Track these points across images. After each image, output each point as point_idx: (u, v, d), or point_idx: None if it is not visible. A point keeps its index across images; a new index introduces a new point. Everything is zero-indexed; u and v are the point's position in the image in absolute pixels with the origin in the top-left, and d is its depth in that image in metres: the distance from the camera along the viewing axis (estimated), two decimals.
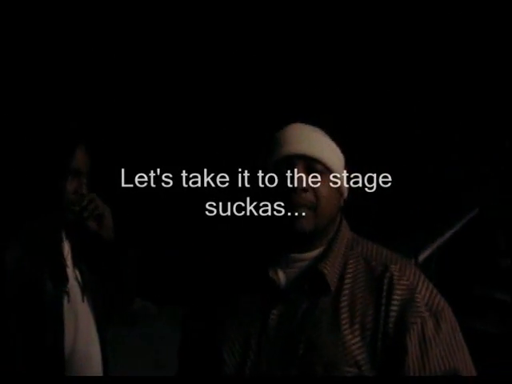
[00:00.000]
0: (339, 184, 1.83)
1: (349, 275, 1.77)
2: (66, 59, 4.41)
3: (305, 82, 4.62)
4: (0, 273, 2.21)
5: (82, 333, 2.40)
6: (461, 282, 3.75)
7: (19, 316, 2.23)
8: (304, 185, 1.75)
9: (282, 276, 1.80)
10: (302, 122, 1.92)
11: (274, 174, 1.80)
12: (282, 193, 1.76)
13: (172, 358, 1.99)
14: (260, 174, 1.85)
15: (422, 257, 3.88)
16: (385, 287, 1.71)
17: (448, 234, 4.07)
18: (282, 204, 1.75)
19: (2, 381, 2.18)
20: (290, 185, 1.75)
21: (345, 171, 1.89)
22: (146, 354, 3.68)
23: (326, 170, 1.80)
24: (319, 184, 1.78)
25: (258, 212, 1.86)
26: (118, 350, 2.70)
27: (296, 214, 1.73)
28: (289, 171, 1.77)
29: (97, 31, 4.52)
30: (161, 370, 3.49)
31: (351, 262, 1.80)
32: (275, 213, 1.76)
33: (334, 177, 1.82)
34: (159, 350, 3.61)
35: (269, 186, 1.80)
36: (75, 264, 2.47)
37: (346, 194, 1.89)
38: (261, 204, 1.83)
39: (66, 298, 2.36)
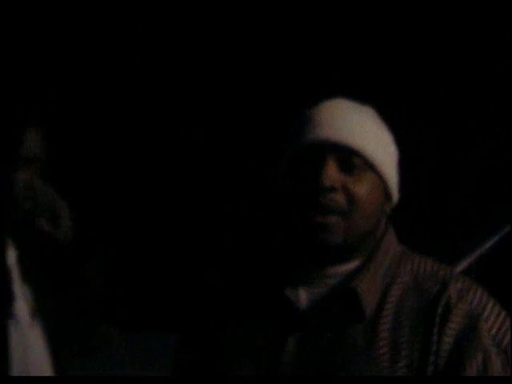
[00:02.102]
0: (385, 185, 1.60)
1: (393, 298, 1.55)
2: (25, 41, 4.18)
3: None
4: None
5: (33, 364, 2.22)
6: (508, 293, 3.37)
7: None
8: (334, 183, 1.53)
9: (303, 295, 1.59)
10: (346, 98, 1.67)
11: (296, 168, 1.58)
12: (304, 193, 1.55)
13: None
14: (279, 167, 1.65)
15: (458, 269, 3.45)
16: (439, 312, 1.49)
17: (489, 243, 3.72)
18: (305, 207, 1.54)
19: None
20: (315, 183, 1.53)
21: (395, 168, 1.64)
22: None
23: (366, 166, 1.57)
24: (355, 183, 1.55)
25: (273, 217, 1.70)
26: None
27: (321, 221, 1.53)
28: (315, 164, 1.55)
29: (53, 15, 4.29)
30: None
31: (397, 281, 1.58)
32: (295, 217, 1.56)
33: (379, 175, 1.58)
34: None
35: (289, 183, 1.59)
36: (24, 277, 2.24)
37: (395, 199, 1.65)
38: (278, 206, 1.64)
39: (11, 322, 2.16)
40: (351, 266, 1.58)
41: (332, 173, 1.52)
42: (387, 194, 1.61)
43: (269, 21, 4.75)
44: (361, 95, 1.69)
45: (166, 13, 4.79)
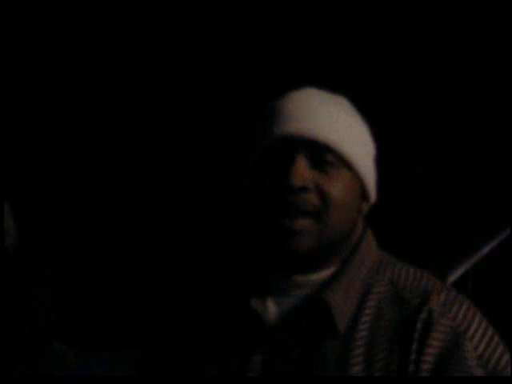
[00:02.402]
0: (361, 183, 1.47)
1: (368, 310, 1.41)
2: None
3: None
4: None
5: None
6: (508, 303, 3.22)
7: None
8: (306, 182, 1.39)
9: (271, 308, 1.46)
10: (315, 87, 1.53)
11: (261, 166, 1.44)
12: (271, 193, 1.41)
13: None
14: (241, 166, 1.51)
15: (452, 277, 3.45)
16: (418, 327, 1.36)
17: (487, 248, 3.58)
18: (272, 210, 1.41)
19: None
20: (283, 182, 1.39)
21: (373, 165, 1.51)
22: None
23: (341, 163, 1.43)
24: (329, 182, 1.41)
25: (237, 220, 1.53)
26: None
27: (291, 225, 1.39)
28: (283, 162, 1.41)
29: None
30: None
31: (374, 291, 1.44)
32: (261, 220, 1.43)
33: (355, 173, 1.45)
34: None
35: (254, 183, 1.45)
36: None
37: (373, 198, 1.51)
38: (243, 208, 1.51)
39: None
40: (324, 274, 1.44)
41: (303, 171, 1.39)
42: (364, 194, 1.48)
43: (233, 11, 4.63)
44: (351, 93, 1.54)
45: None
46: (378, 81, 4.32)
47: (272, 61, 4.21)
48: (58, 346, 2.12)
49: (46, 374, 2.07)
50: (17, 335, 2.13)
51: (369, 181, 1.47)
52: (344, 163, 1.42)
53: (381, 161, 1.67)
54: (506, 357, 1.37)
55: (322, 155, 1.41)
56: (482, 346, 1.36)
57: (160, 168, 4.21)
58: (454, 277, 3.39)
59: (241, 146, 1.54)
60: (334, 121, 1.43)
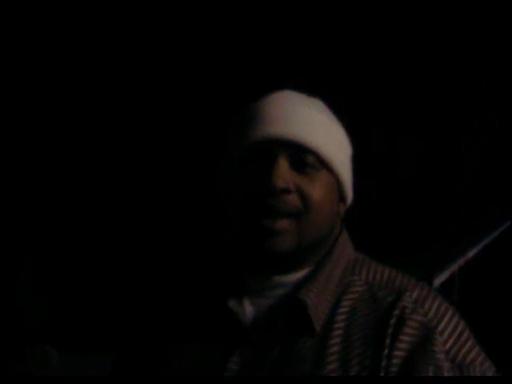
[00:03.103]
0: (340, 185, 1.48)
1: (343, 309, 1.42)
2: None
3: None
4: None
5: None
6: (494, 305, 3.20)
7: None
8: (288, 184, 1.39)
9: (248, 308, 1.45)
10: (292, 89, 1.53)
11: (241, 168, 1.44)
12: (251, 195, 1.41)
13: None
14: (221, 167, 1.49)
15: (438, 280, 3.36)
16: (391, 323, 1.37)
17: (474, 250, 3.52)
18: (252, 209, 1.40)
19: None
20: (265, 183, 1.39)
21: (349, 166, 1.52)
22: None
23: (320, 164, 1.43)
24: (309, 184, 1.42)
25: (216, 221, 1.59)
26: None
27: (271, 225, 1.38)
28: (265, 163, 1.41)
29: None
30: None
31: (350, 291, 1.45)
32: (241, 221, 1.42)
33: (333, 174, 1.46)
34: None
35: (233, 185, 1.45)
36: None
37: (349, 199, 1.53)
38: (222, 210, 1.48)
39: None
40: (300, 274, 1.44)
41: (284, 172, 1.39)
42: (342, 195, 1.49)
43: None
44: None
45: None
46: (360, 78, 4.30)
47: (249, 62, 4.19)
48: (42, 347, 2.11)
49: (29, 374, 2.06)
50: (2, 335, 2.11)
51: (347, 182, 1.48)
52: (323, 165, 1.42)
53: (368, 162, 1.68)
54: (475, 351, 1.39)
55: (302, 157, 1.41)
56: (451, 340, 1.38)
57: (146, 170, 4.19)
58: (440, 279, 3.33)
59: (220, 149, 1.53)
60: (312, 123, 1.43)
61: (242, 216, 1.40)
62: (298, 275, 1.44)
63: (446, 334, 1.38)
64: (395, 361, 1.34)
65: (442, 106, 4.71)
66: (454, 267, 3.48)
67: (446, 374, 1.35)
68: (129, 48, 4.63)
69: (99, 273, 3.98)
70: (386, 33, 4.64)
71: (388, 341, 1.35)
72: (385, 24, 4.59)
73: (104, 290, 3.79)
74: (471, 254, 3.56)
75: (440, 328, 1.38)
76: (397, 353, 1.35)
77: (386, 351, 1.35)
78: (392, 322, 1.36)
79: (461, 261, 3.53)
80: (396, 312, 1.38)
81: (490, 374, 1.39)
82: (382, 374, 1.34)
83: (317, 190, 1.41)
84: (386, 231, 3.79)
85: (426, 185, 4.14)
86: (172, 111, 4.47)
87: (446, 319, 1.39)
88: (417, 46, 4.75)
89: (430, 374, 1.34)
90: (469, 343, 1.40)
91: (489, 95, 4.64)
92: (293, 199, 1.39)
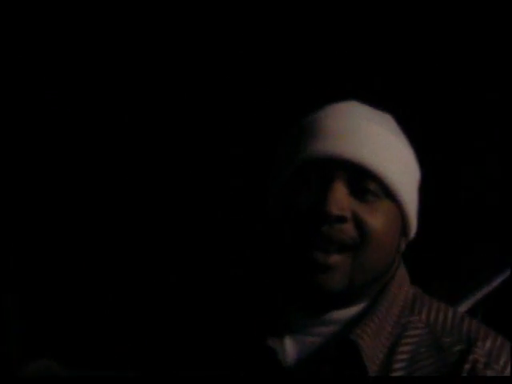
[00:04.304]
0: (403, 217, 1.30)
1: (403, 355, 1.24)
2: None
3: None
4: None
5: None
6: None
7: None
8: (344, 211, 1.22)
9: (289, 347, 1.28)
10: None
11: (292, 190, 1.28)
12: (302, 221, 1.24)
13: None
14: (269, 188, 1.33)
15: (462, 308, 3.24)
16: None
17: (499, 279, 3.37)
18: (303, 240, 1.24)
19: None
20: (319, 208, 1.22)
21: (416, 196, 1.34)
22: None
23: (383, 193, 1.26)
24: (369, 213, 1.24)
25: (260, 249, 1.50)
26: None
27: (324, 260, 1.22)
28: (320, 185, 1.25)
29: None
30: None
31: (409, 334, 1.27)
32: (290, 250, 1.26)
33: (397, 204, 1.28)
34: None
35: (282, 209, 1.28)
36: None
37: (412, 233, 1.35)
38: (267, 237, 1.33)
39: None
40: (354, 310, 1.28)
41: (341, 198, 1.22)
42: (404, 229, 1.32)
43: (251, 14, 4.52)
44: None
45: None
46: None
47: (302, 68, 4.07)
48: (47, 363, 2.00)
49: None
50: None
51: (411, 214, 1.32)
52: (387, 193, 1.26)
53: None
54: None
55: (364, 182, 1.24)
56: None
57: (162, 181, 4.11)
58: (463, 308, 3.26)
59: (270, 164, 1.36)
60: (380, 143, 1.26)
61: (290, 244, 1.25)
62: (351, 312, 1.28)
63: None
64: None
65: None
66: (478, 295, 3.41)
67: None
68: (143, 47, 4.57)
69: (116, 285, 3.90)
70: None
71: None
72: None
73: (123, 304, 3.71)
74: (496, 282, 3.48)
75: None
76: None
77: None
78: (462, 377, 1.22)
79: (485, 289, 3.45)
80: (467, 366, 1.22)
81: None
82: None
83: (377, 220, 1.24)
84: (410, 258, 3.72)
85: (448, 210, 4.06)
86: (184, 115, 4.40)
87: None
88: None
89: None
90: None
91: None
92: (349, 229, 1.23)
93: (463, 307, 3.24)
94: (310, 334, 1.27)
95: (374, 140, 1.25)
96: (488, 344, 1.24)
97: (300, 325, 1.28)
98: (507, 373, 1.22)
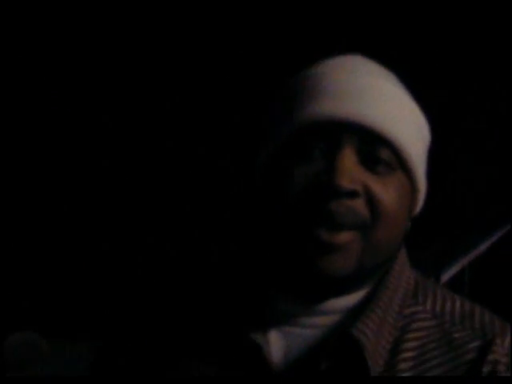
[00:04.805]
0: (414, 190, 1.11)
1: (409, 353, 1.06)
2: None
3: None
4: None
5: None
6: (506, 299, 3.06)
7: None
8: (356, 185, 1.03)
9: (275, 339, 1.08)
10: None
11: (289, 159, 1.06)
12: (305, 195, 1.03)
13: None
14: (258, 158, 1.12)
15: (447, 275, 3.16)
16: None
17: (485, 244, 3.33)
18: (305, 216, 1.03)
19: None
20: (325, 181, 1.02)
21: (425, 165, 1.14)
22: None
23: (396, 162, 1.06)
24: (381, 187, 1.05)
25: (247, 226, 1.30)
26: None
27: (330, 237, 1.01)
28: (324, 154, 1.04)
29: None
30: None
31: (415, 327, 1.09)
32: (288, 230, 1.05)
33: (408, 176, 1.09)
34: None
35: (274, 179, 1.08)
36: None
37: (419, 206, 1.15)
38: (256, 214, 1.12)
39: None
40: (354, 298, 1.10)
41: (351, 168, 1.03)
42: (414, 202, 1.14)
43: None
44: None
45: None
46: None
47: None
48: (30, 335, 1.95)
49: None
50: None
51: (422, 189, 1.14)
52: (400, 163, 1.07)
53: None
54: None
55: (375, 149, 1.05)
56: None
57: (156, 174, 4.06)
58: (449, 274, 3.18)
59: (258, 133, 1.14)
60: (392, 102, 1.06)
61: (290, 223, 1.04)
62: (351, 300, 1.09)
63: None
64: None
65: None
66: (464, 261, 3.32)
67: None
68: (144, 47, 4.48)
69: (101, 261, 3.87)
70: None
71: None
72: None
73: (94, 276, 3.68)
74: (482, 247, 3.43)
75: None
76: None
77: None
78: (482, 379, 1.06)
79: (471, 254, 3.39)
80: (485, 369, 1.05)
81: None
82: None
83: (390, 195, 1.05)
84: None
85: (435, 176, 4.04)
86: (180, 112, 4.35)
87: None
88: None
89: None
90: None
91: None
92: (360, 206, 1.03)
93: (452, 271, 3.23)
94: (300, 324, 1.09)
95: (386, 99, 1.05)
96: (507, 341, 1.08)
97: (288, 314, 1.10)
98: None
